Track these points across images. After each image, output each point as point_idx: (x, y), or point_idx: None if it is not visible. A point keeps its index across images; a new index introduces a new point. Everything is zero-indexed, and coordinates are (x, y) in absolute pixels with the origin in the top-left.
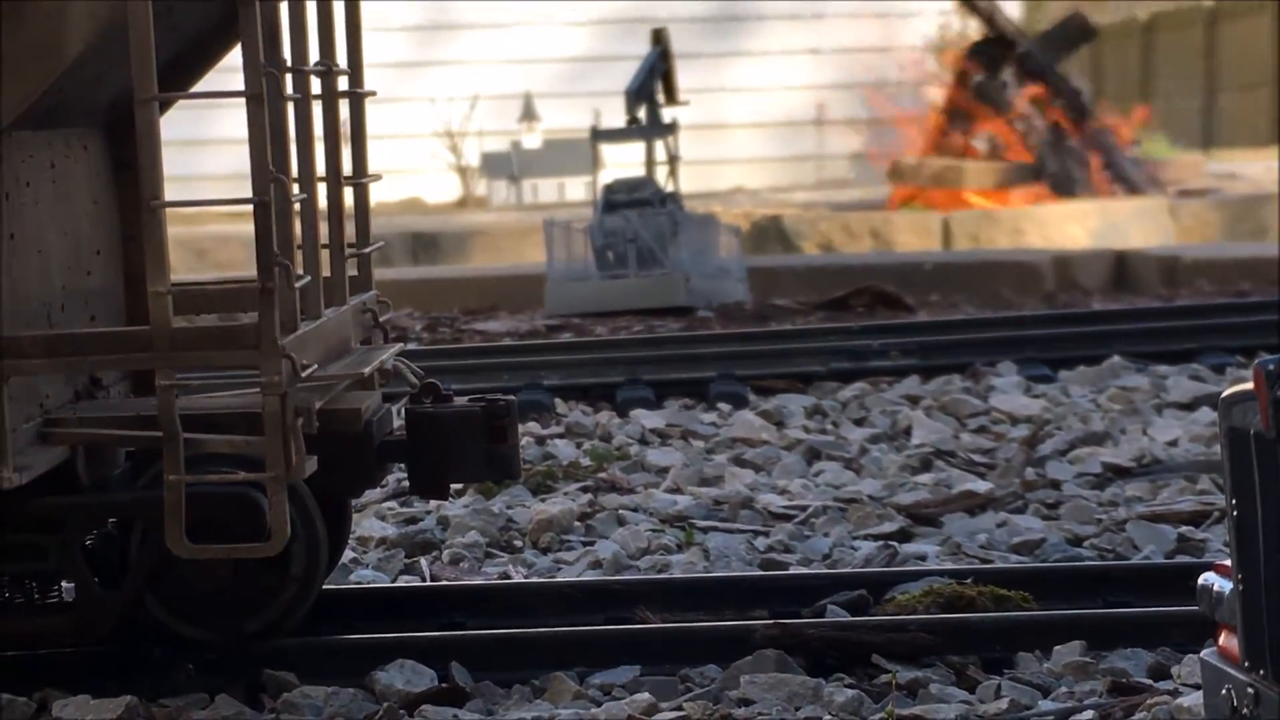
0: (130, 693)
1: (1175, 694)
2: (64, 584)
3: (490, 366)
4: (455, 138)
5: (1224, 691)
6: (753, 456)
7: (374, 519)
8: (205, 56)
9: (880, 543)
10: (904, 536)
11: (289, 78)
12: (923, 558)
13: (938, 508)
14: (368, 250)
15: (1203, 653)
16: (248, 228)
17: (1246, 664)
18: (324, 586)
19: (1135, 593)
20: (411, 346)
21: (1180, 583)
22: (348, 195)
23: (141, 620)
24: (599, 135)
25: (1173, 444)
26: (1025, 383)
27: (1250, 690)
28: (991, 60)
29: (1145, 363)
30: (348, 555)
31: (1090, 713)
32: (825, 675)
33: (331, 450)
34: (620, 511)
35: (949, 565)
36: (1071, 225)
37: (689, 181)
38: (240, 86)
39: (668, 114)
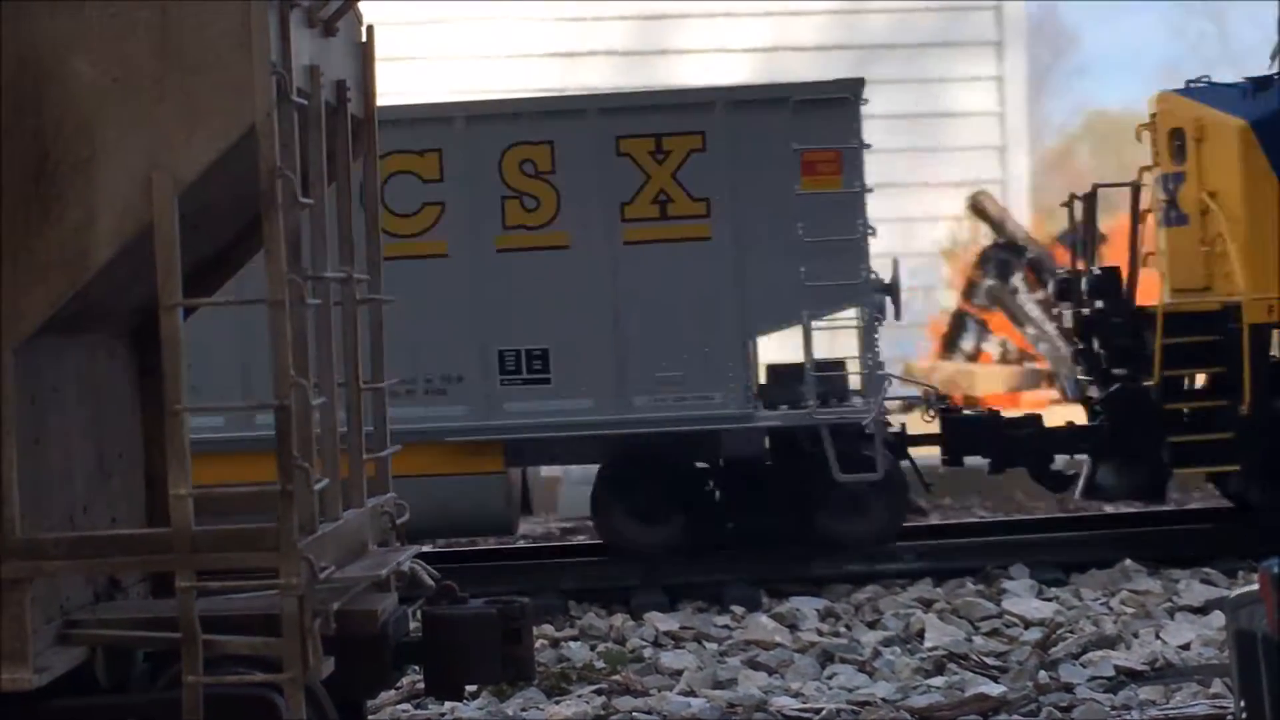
0: None
1: None
2: None
3: (505, 570)
4: None
5: None
6: (766, 659)
7: None
8: (229, 262)
9: None
10: None
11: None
12: None
13: (951, 711)
14: (385, 454)
15: None
16: None
17: None
18: None
19: None
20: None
21: None
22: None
23: None
24: None
25: (1185, 647)
26: (1038, 586)
27: None
28: (1002, 265)
29: (1157, 566)
30: None
31: None
32: None
33: (348, 651)
34: (634, 714)
35: None
36: None
37: None
38: None
39: None
